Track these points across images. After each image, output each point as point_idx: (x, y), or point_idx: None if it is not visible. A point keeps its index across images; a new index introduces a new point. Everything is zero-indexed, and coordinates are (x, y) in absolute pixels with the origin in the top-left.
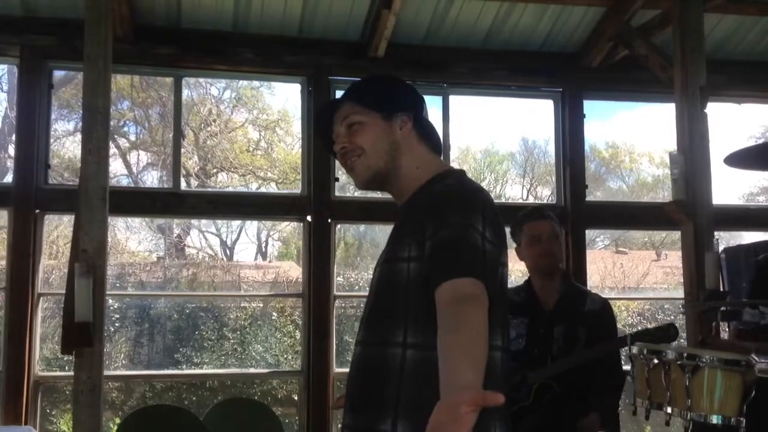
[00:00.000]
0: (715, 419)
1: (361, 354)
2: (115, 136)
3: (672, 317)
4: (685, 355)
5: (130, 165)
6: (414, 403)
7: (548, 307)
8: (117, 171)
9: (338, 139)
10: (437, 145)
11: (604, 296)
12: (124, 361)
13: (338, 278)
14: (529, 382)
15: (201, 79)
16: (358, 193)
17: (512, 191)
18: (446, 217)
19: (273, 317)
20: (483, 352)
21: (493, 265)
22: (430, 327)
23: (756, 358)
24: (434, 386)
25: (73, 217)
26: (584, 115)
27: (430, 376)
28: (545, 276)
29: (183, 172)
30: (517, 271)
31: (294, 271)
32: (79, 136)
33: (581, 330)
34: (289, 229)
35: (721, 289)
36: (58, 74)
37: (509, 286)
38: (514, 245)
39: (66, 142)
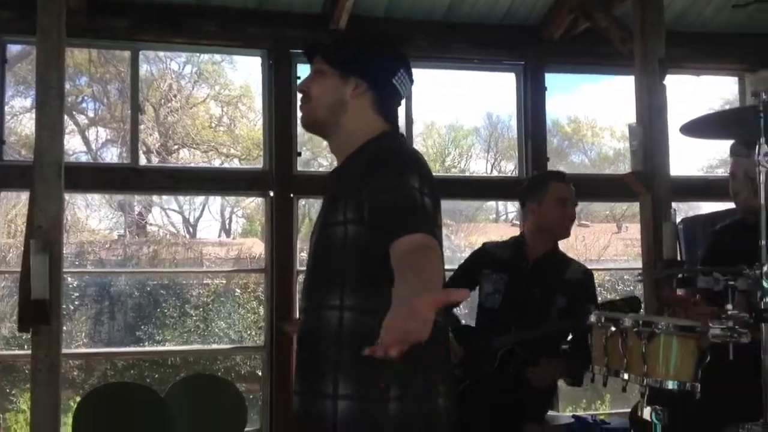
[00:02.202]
0: (671, 384)
1: (304, 320)
2: (74, 113)
3: (631, 287)
4: (641, 322)
5: (89, 141)
6: (353, 365)
7: (531, 260)
8: (76, 148)
9: (302, 82)
10: (391, 117)
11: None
12: (84, 339)
13: (302, 254)
14: (494, 347)
15: (161, 54)
16: (321, 169)
17: (477, 166)
18: (383, 179)
19: (236, 293)
20: (438, 286)
21: (433, 219)
22: (367, 290)
23: (710, 324)
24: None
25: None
26: (546, 89)
27: (367, 339)
28: (552, 240)
29: (143, 148)
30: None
31: (257, 248)
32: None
33: (560, 298)
34: (253, 205)
35: (679, 259)
36: (13, 49)
37: (495, 240)
38: (524, 202)
39: (23, 119)
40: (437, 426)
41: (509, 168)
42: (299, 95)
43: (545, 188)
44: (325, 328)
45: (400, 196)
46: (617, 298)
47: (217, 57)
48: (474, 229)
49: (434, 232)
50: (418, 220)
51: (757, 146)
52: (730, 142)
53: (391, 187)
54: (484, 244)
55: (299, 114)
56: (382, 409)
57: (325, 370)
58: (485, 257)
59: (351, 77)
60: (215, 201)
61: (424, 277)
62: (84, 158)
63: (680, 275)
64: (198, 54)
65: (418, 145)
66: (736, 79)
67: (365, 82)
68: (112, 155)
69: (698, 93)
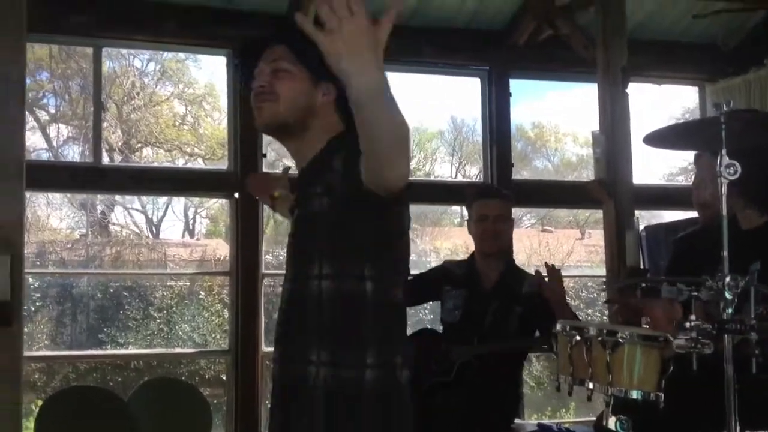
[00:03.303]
0: (635, 394)
1: (288, 290)
2: (34, 109)
3: (594, 294)
4: (605, 331)
5: (50, 138)
6: (334, 332)
7: (488, 285)
8: (37, 145)
9: (259, 77)
10: (350, 116)
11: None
12: (46, 342)
13: (267, 256)
14: (452, 357)
15: (123, 51)
16: None
17: (441, 169)
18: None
19: (200, 296)
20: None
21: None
22: (343, 257)
23: (670, 336)
24: (351, 314)
25: None
26: (510, 94)
27: (346, 305)
28: (488, 256)
29: (106, 146)
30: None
31: (222, 249)
32: None
33: (517, 309)
34: (217, 206)
35: (642, 267)
36: None
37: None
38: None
39: None
40: (406, 397)
41: (474, 172)
42: (256, 90)
43: (471, 207)
44: (307, 297)
45: None
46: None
47: (181, 55)
48: (439, 234)
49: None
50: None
51: (719, 158)
52: (691, 151)
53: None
54: (444, 262)
55: (258, 112)
56: (359, 376)
57: (309, 336)
58: (446, 274)
59: (321, 81)
60: (179, 201)
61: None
62: (45, 155)
63: (644, 285)
64: (162, 52)
65: None
66: (696, 88)
67: (334, 86)
68: (73, 153)
69: (660, 101)
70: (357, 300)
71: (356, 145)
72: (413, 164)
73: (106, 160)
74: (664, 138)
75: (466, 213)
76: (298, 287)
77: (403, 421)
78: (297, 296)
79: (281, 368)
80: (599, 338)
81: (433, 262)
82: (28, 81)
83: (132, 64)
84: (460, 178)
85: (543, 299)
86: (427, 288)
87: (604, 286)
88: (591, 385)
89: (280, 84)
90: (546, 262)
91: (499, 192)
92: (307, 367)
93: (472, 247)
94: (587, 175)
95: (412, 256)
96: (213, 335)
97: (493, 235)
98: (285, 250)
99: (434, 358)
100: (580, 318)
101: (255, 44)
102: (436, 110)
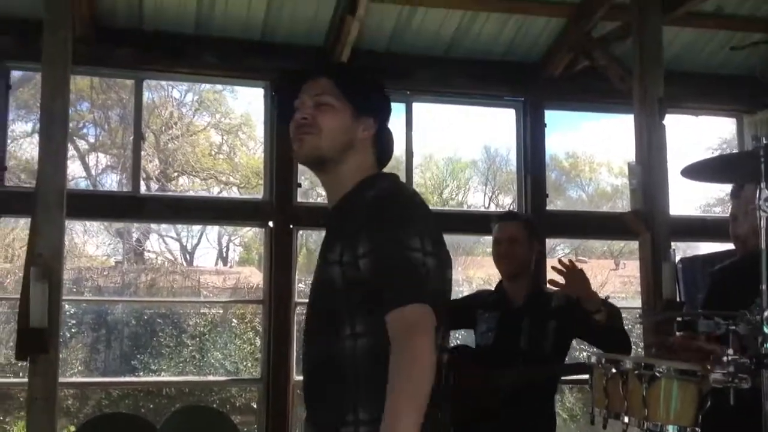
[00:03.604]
0: (671, 429)
1: (313, 353)
2: (74, 138)
3: (629, 326)
4: (642, 364)
5: (89, 167)
6: (370, 388)
7: (517, 304)
8: (75, 173)
9: (302, 109)
10: (385, 159)
11: None
12: (80, 368)
13: (299, 285)
14: (497, 384)
15: (162, 82)
16: (320, 199)
17: (474, 199)
18: (381, 231)
19: (233, 324)
20: (426, 394)
21: (436, 278)
22: (371, 317)
23: (707, 371)
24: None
25: (30, 220)
26: (545, 125)
27: (380, 356)
28: (509, 278)
29: (143, 175)
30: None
31: (255, 277)
32: (37, 137)
33: (551, 323)
34: (251, 234)
35: (678, 299)
36: (15, 74)
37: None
38: None
39: (23, 143)
40: None
41: (507, 201)
42: (298, 122)
43: (492, 233)
44: (338, 358)
45: (398, 255)
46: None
47: (219, 86)
48: (472, 263)
49: (431, 298)
50: (415, 285)
51: (758, 191)
52: (729, 184)
53: (389, 242)
54: (478, 291)
55: (299, 144)
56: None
57: (343, 399)
58: (479, 300)
59: (363, 117)
60: (213, 228)
61: (413, 382)
62: (83, 184)
63: (680, 318)
64: (200, 83)
65: (416, 176)
66: (734, 120)
67: (374, 122)
68: (111, 181)
69: (697, 132)
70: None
71: (386, 231)
72: (446, 194)
73: (143, 188)
74: (702, 171)
75: None
76: (324, 350)
77: None
78: (323, 359)
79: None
80: (635, 372)
81: (466, 291)
82: (69, 111)
83: (171, 95)
84: (493, 208)
85: (575, 309)
86: (461, 313)
87: (640, 319)
88: (626, 419)
89: (323, 117)
90: (560, 259)
91: (513, 215)
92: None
93: None
94: (622, 205)
95: None
96: (245, 363)
97: (505, 257)
98: None
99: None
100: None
101: (298, 75)
102: (469, 140)
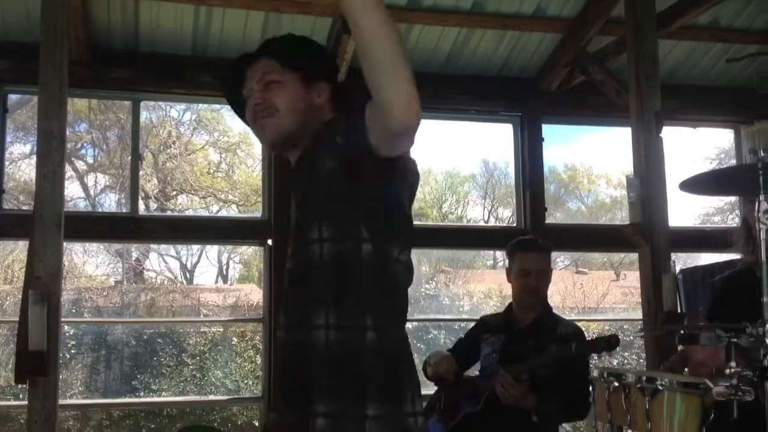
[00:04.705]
0: None
1: (290, 264)
2: (72, 159)
3: (631, 338)
4: (645, 378)
5: (88, 188)
6: (379, 380)
7: (524, 326)
8: (74, 194)
9: (252, 95)
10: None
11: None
12: (80, 389)
13: None
14: (479, 389)
15: (160, 102)
16: None
17: (474, 212)
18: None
19: (233, 342)
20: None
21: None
22: (342, 219)
23: (710, 383)
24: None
25: (28, 241)
26: (543, 139)
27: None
28: (527, 307)
29: (142, 194)
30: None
31: (255, 294)
32: (35, 158)
33: (553, 347)
34: (251, 251)
35: (679, 311)
36: (13, 97)
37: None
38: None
39: (21, 165)
40: (409, 355)
41: (506, 215)
42: (253, 108)
43: (513, 260)
44: (310, 260)
45: None
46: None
47: (216, 104)
48: (472, 276)
49: None
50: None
51: (757, 203)
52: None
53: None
54: (482, 317)
55: (262, 132)
56: (360, 336)
57: (314, 299)
58: (484, 325)
59: (313, 82)
60: (213, 246)
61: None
62: (82, 204)
63: (682, 331)
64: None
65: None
66: (732, 131)
67: (327, 84)
68: (110, 201)
69: (694, 143)
70: (354, 261)
71: (355, 118)
72: (446, 207)
73: (142, 208)
74: (701, 184)
75: (498, 255)
76: (299, 258)
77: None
78: (299, 264)
79: (287, 334)
80: (638, 385)
81: (467, 306)
82: (67, 132)
83: (168, 114)
84: (492, 221)
85: (579, 341)
86: (470, 346)
87: (641, 333)
88: None
89: (275, 96)
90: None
91: (540, 245)
92: (313, 332)
93: (505, 290)
94: (621, 216)
95: (445, 300)
96: (246, 381)
97: (534, 290)
98: None
99: (461, 395)
100: (616, 362)
101: (239, 63)
102: (467, 154)
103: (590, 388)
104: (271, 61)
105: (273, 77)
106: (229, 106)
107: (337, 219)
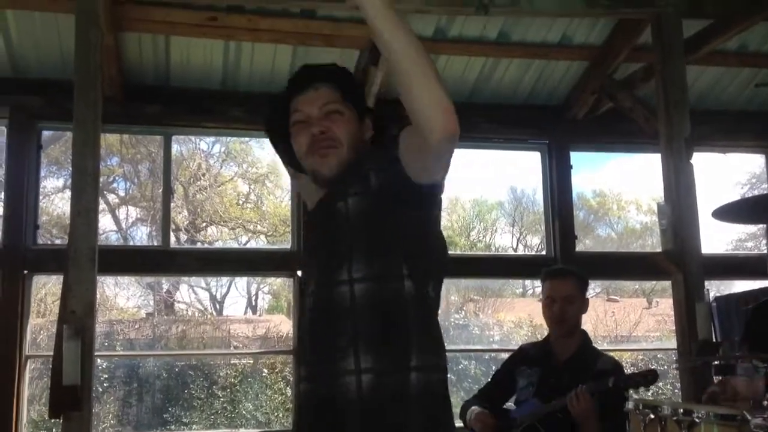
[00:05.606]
0: None
1: (314, 300)
2: (105, 192)
3: (665, 367)
4: (681, 410)
5: (120, 221)
6: (421, 332)
7: (561, 361)
8: (106, 227)
9: (310, 121)
10: None
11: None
12: (112, 422)
13: None
14: (515, 423)
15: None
16: None
17: (502, 240)
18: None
19: (263, 374)
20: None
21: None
22: (376, 260)
23: (748, 415)
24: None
25: (62, 276)
26: (571, 167)
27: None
28: (558, 336)
29: (172, 226)
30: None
31: (285, 325)
32: (68, 193)
33: (590, 383)
34: (279, 282)
35: (714, 339)
36: (46, 134)
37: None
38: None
39: (55, 199)
40: (448, 397)
41: (535, 242)
42: (316, 135)
43: (544, 288)
44: (338, 303)
45: None
46: (633, 372)
47: (245, 137)
48: (501, 305)
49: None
50: None
51: None
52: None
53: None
54: (521, 346)
55: (321, 160)
56: (405, 379)
57: (343, 344)
58: (521, 355)
59: (365, 119)
60: (242, 277)
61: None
62: (114, 237)
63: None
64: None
65: (442, 218)
66: (762, 155)
67: (370, 121)
68: (141, 234)
69: (725, 169)
70: (398, 300)
71: (388, 152)
72: (473, 235)
73: (173, 240)
74: (733, 212)
75: (527, 283)
76: (327, 294)
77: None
78: (326, 304)
79: (311, 385)
80: (674, 417)
81: (497, 335)
82: (100, 169)
83: (198, 147)
84: (521, 249)
85: (617, 377)
86: (507, 378)
87: (676, 363)
88: None
89: (338, 128)
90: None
91: (568, 272)
92: (344, 377)
93: (536, 319)
94: (652, 242)
95: (474, 330)
96: (276, 413)
97: (559, 318)
98: None
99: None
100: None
101: (292, 83)
102: (495, 181)
103: (626, 421)
104: (331, 90)
105: (336, 107)
106: (262, 135)
107: (373, 258)
